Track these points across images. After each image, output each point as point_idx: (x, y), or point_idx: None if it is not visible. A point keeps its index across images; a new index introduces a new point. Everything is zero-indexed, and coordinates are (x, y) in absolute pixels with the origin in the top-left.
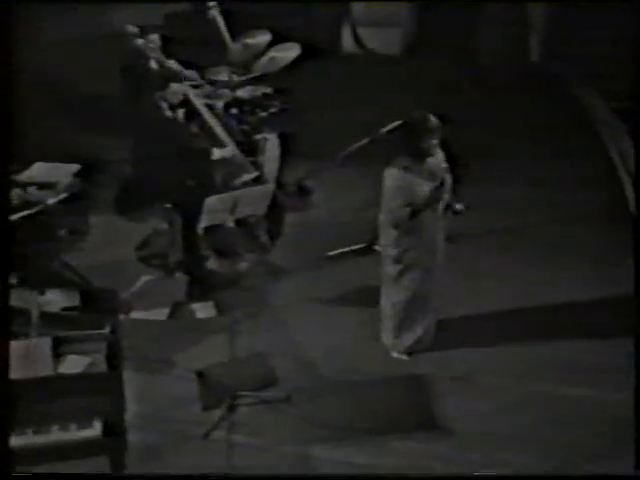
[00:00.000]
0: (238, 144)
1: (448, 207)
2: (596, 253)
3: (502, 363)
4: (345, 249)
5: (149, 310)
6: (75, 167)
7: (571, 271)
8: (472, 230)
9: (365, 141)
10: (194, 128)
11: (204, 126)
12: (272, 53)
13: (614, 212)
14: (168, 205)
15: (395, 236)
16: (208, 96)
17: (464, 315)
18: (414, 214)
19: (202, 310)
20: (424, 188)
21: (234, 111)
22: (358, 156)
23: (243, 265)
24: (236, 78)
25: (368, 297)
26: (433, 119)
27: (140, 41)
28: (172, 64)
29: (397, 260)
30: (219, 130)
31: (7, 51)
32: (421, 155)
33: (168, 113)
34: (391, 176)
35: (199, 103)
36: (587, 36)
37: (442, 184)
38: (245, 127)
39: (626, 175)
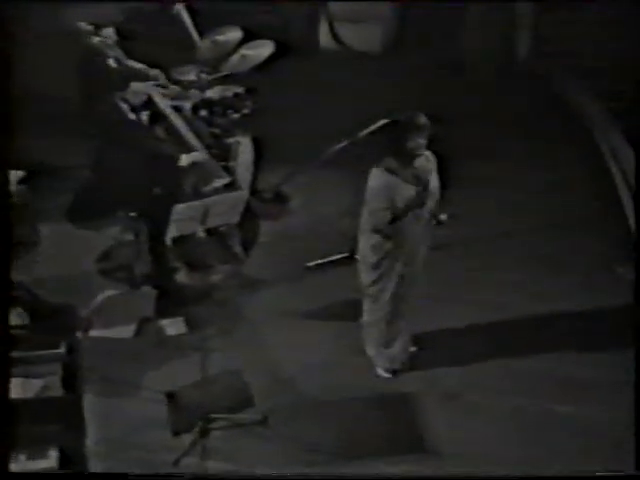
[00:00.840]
0: (208, 148)
1: (433, 216)
2: (590, 260)
3: (490, 379)
4: (325, 259)
5: (112, 327)
6: (19, 174)
7: (563, 279)
8: (457, 236)
9: (345, 143)
10: (160, 131)
11: (170, 129)
12: (244, 51)
13: (607, 215)
14: (133, 214)
15: (375, 241)
16: (175, 97)
17: (450, 327)
18: (395, 219)
19: (172, 326)
20: (408, 191)
21: (203, 113)
22: (338, 159)
23: (215, 277)
24: (205, 78)
25: (349, 310)
26: (421, 117)
27: (96, 38)
28: (132, 63)
29: (375, 266)
30: (187, 133)
31: None
32: (408, 156)
33: (131, 115)
34: (375, 177)
35: (164, 104)
36: (576, 33)
37: (425, 188)
38: (216, 130)
39: (619, 172)
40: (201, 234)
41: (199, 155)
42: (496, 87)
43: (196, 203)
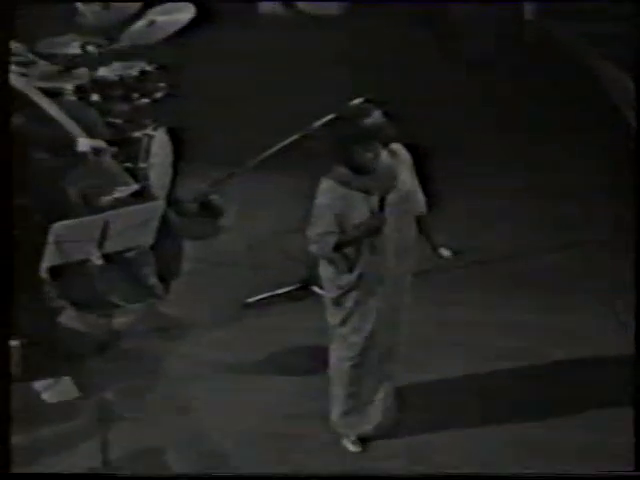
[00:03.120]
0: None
1: (432, 249)
2: (599, 290)
3: (492, 449)
4: (270, 293)
5: None
6: None
7: (569, 317)
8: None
9: (292, 139)
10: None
11: (45, 120)
12: (152, 16)
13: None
14: None
15: (334, 271)
16: (47, 77)
17: (436, 380)
18: (340, 246)
19: (53, 390)
20: (362, 209)
21: (95, 98)
22: (285, 159)
23: (120, 320)
24: (93, 51)
25: (306, 360)
26: (375, 112)
27: None
28: None
29: (337, 302)
30: (69, 125)
31: None
32: (360, 162)
33: None
34: (322, 191)
35: (25, 86)
36: None
37: (382, 204)
38: (115, 120)
39: None
40: (97, 261)
41: (92, 148)
42: (495, 61)
43: (88, 220)
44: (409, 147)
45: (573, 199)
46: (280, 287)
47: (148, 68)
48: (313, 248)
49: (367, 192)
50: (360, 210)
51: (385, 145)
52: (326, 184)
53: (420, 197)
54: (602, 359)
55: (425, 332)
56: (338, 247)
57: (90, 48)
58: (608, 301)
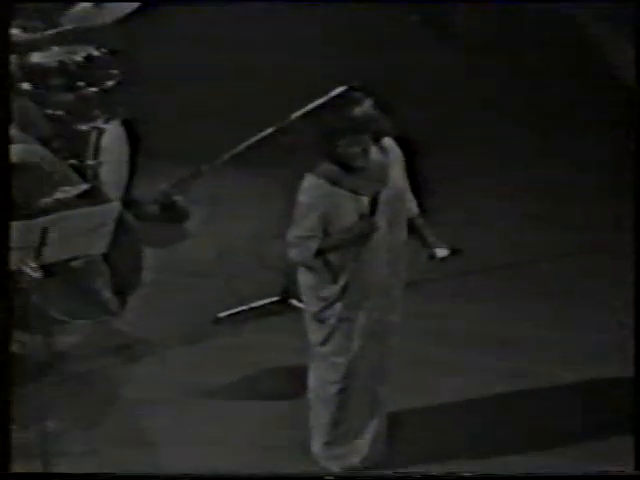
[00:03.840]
0: (45, 140)
1: (428, 251)
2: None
3: None
4: (244, 306)
5: None
6: None
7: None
8: (439, 271)
9: (268, 131)
10: None
11: None
12: None
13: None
14: None
15: (312, 280)
16: None
17: (429, 406)
18: (323, 251)
19: None
20: (350, 210)
21: (26, 86)
22: (259, 156)
23: (67, 341)
24: (27, 36)
25: (284, 383)
26: (365, 101)
27: None
28: None
29: (320, 317)
30: None
31: None
32: (349, 157)
33: None
34: (306, 189)
35: None
36: None
37: (375, 204)
38: (56, 112)
39: None
40: (34, 274)
41: (27, 149)
42: (498, 43)
43: (22, 225)
44: (401, 141)
45: (574, 200)
46: (255, 300)
47: (95, 53)
48: (292, 253)
49: (356, 192)
50: (347, 211)
51: (376, 140)
52: (310, 181)
53: (411, 198)
54: (603, 381)
55: (419, 350)
56: (320, 253)
57: (16, 31)
58: (611, 313)
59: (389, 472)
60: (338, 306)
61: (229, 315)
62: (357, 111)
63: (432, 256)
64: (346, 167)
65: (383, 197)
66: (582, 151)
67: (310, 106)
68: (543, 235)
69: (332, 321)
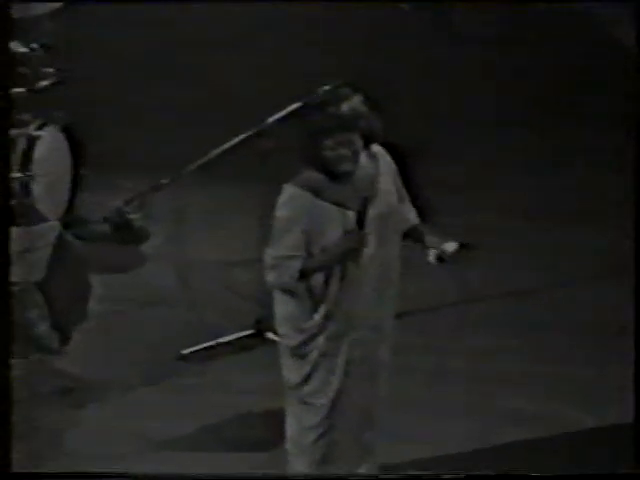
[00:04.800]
0: None
1: (439, 258)
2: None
3: None
4: (211, 342)
5: None
6: None
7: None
8: (436, 295)
9: (238, 139)
10: None
11: None
12: None
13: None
14: None
15: (292, 308)
16: None
17: (427, 458)
18: (306, 273)
19: None
20: (335, 226)
21: None
22: (229, 166)
23: None
24: None
25: (258, 430)
26: (354, 98)
27: None
28: None
29: (299, 353)
30: None
31: None
32: (335, 161)
33: None
34: (285, 202)
35: None
36: None
37: (362, 218)
38: None
39: None
40: None
41: None
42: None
43: None
44: (393, 148)
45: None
46: (224, 334)
47: (22, 50)
48: (270, 276)
49: (342, 205)
50: (332, 227)
51: (366, 145)
52: (290, 192)
53: (409, 208)
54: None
55: (412, 390)
56: (304, 275)
57: None
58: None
59: (389, 472)
60: (320, 339)
61: (194, 351)
62: (345, 107)
63: (440, 257)
64: (332, 174)
65: (371, 211)
66: (586, 150)
67: (290, 108)
68: (551, 259)
69: (313, 356)
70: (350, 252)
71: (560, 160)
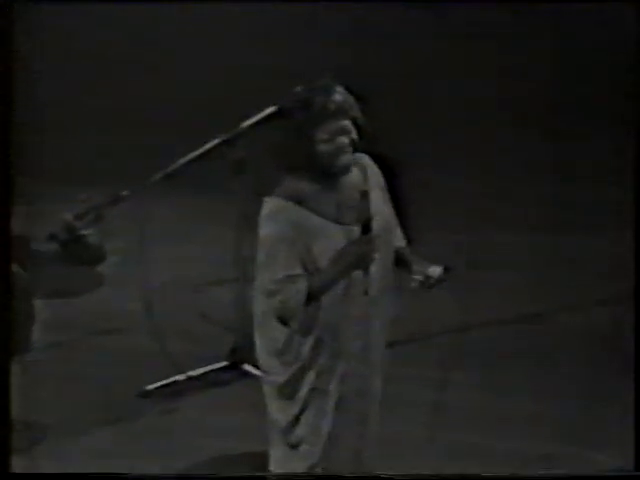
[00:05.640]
0: None
1: (425, 279)
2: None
3: None
4: (180, 375)
5: None
6: None
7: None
8: (432, 323)
9: (209, 146)
10: None
11: None
12: None
13: None
14: None
15: (283, 340)
16: None
17: None
18: (313, 294)
19: None
20: (332, 238)
21: None
22: (199, 175)
23: None
24: None
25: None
26: (338, 88)
27: None
28: None
29: (288, 394)
30: None
31: None
32: (332, 155)
33: None
34: (268, 217)
35: None
36: None
37: (367, 230)
38: None
39: None
40: None
41: None
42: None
43: None
44: (381, 159)
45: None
46: (194, 366)
47: None
48: (274, 304)
49: (331, 216)
50: (323, 240)
51: (355, 149)
52: (272, 205)
53: (394, 224)
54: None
55: (405, 425)
56: (310, 297)
57: None
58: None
59: (389, 473)
60: (311, 374)
61: (160, 387)
62: (334, 95)
63: (424, 283)
64: (327, 174)
65: (374, 225)
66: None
67: (267, 111)
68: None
69: (303, 394)
70: (361, 260)
71: (560, 160)
